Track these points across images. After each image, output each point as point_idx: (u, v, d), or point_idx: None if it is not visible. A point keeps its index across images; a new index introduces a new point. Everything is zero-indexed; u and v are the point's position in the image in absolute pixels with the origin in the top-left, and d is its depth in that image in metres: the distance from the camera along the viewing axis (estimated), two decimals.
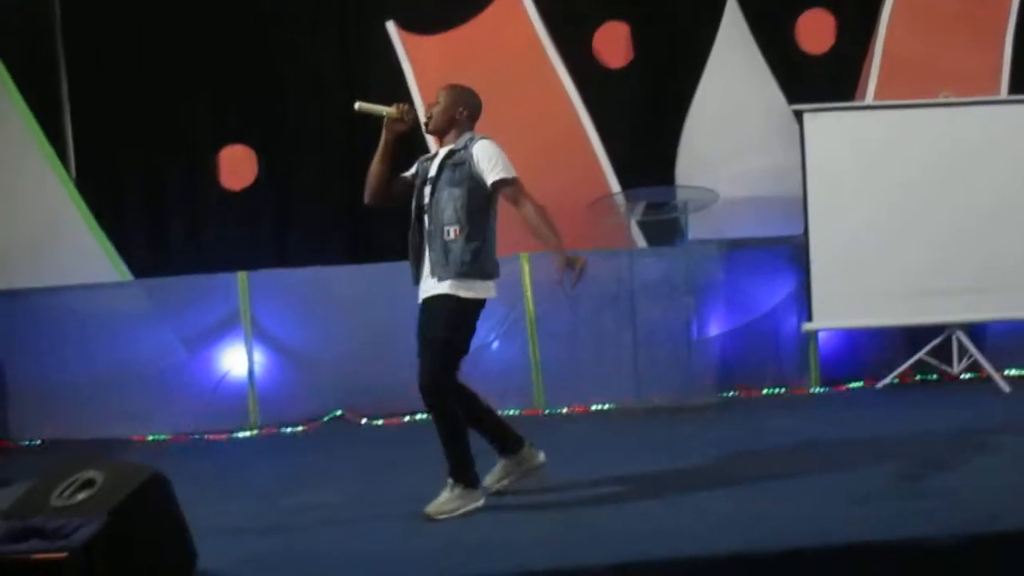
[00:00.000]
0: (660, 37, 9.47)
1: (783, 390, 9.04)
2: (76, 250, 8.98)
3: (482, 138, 5.78)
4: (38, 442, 8.64)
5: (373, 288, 8.83)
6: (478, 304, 5.72)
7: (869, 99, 9.33)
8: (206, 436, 8.59)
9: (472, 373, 8.65)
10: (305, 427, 8.68)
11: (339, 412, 8.81)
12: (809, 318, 8.84)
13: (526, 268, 8.85)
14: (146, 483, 4.68)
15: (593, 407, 8.80)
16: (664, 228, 8.91)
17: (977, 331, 9.05)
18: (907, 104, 8.86)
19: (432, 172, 5.77)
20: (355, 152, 9.40)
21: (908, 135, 8.76)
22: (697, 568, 4.68)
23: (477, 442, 5.91)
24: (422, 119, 6.00)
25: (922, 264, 8.70)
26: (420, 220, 5.80)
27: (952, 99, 8.84)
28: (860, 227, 8.73)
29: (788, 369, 9.12)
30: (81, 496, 4.62)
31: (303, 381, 8.83)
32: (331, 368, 8.78)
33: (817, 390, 9.06)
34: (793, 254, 9.00)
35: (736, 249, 9.04)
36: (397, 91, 9.07)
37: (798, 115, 8.83)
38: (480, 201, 5.68)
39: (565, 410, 8.82)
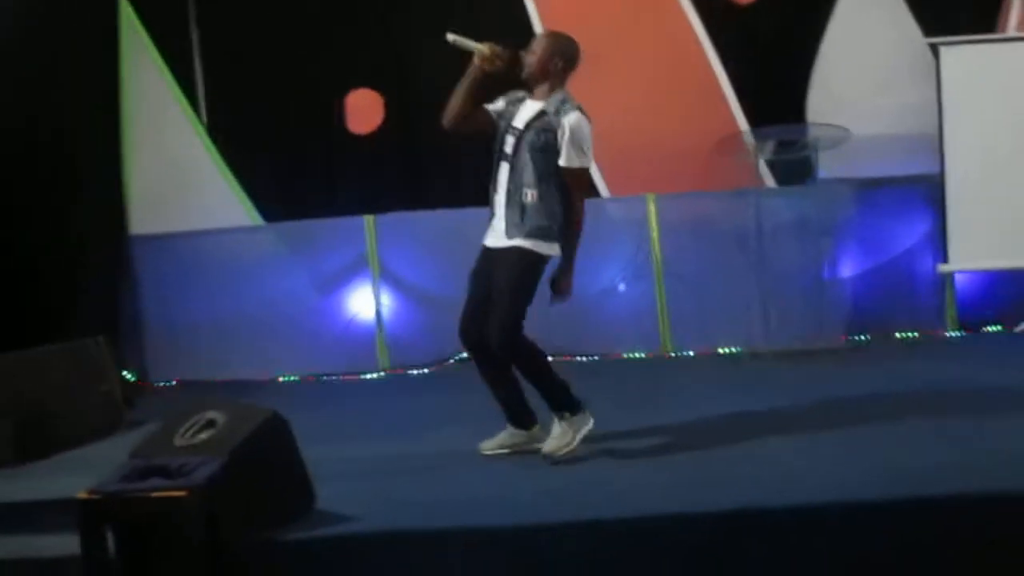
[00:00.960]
0: None
1: (918, 334, 8.82)
2: (210, 195, 9.12)
3: (574, 110, 5.61)
4: (173, 383, 8.84)
5: None
6: (545, 261, 5.69)
7: (1011, 31, 8.96)
8: (336, 377, 8.71)
9: (599, 315, 8.80)
10: (432, 368, 8.74)
11: (465, 354, 8.83)
12: (945, 259, 8.60)
13: (652, 209, 8.76)
14: (266, 424, 4.76)
15: (721, 350, 8.70)
16: (794, 167, 8.71)
17: None
18: None
19: (519, 124, 5.68)
20: (486, 96, 9.40)
21: None
22: (808, 516, 4.62)
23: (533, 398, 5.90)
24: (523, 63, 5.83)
25: None
26: (499, 166, 5.75)
27: None
28: (998, 165, 8.43)
29: (923, 312, 8.89)
30: (203, 436, 4.73)
31: (430, 323, 8.87)
32: (458, 310, 8.77)
33: (953, 334, 8.82)
34: (928, 193, 8.73)
35: (869, 188, 8.82)
36: (524, 34, 9.02)
37: (934, 48, 8.54)
38: (560, 170, 5.63)
39: (692, 353, 8.74)
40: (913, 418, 6.06)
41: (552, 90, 5.71)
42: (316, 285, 8.90)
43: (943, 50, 8.47)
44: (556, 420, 5.75)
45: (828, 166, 8.61)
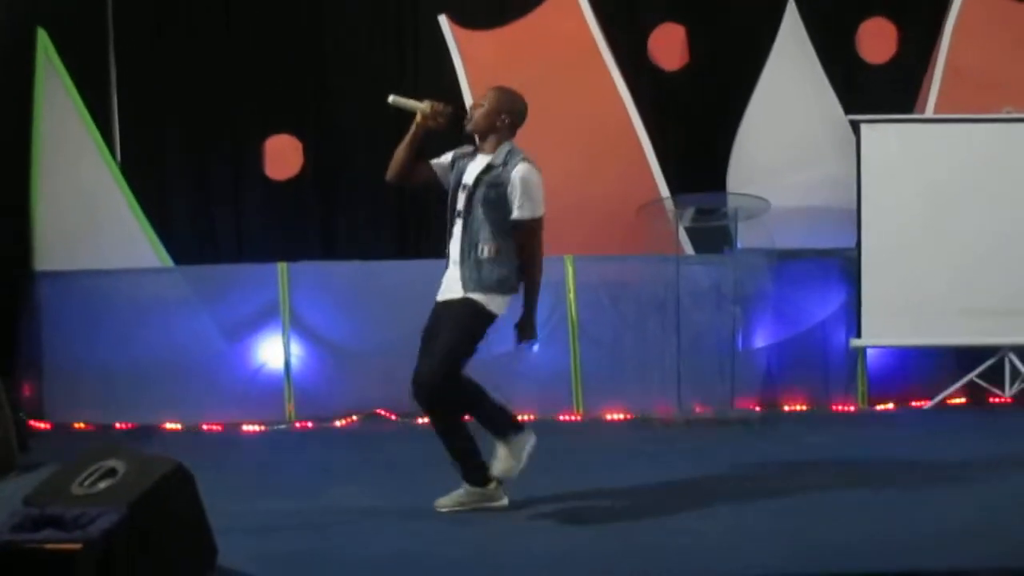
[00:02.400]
0: (717, 41, 9.34)
1: (828, 407, 8.86)
2: (119, 234, 8.90)
3: (523, 162, 5.58)
4: (72, 426, 8.56)
5: (415, 284, 8.65)
6: (492, 317, 5.62)
7: (929, 112, 9.12)
8: (240, 427, 8.51)
9: (512, 376, 8.69)
10: (340, 422, 8.59)
11: (375, 409, 8.70)
12: (858, 334, 8.66)
13: (570, 271, 8.72)
14: (169, 475, 4.58)
15: (633, 415, 8.65)
16: (713, 235, 8.75)
17: None
18: (968, 118, 8.67)
19: (468, 181, 5.63)
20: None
21: (968, 150, 8.57)
22: None
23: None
24: (468, 113, 5.86)
25: (976, 283, 8.51)
26: (452, 223, 5.69)
27: (1015, 114, 8.64)
28: (914, 242, 8.54)
29: (834, 385, 8.94)
30: (102, 486, 4.52)
31: (341, 376, 8.75)
32: (369, 364, 8.68)
33: (863, 408, 8.87)
34: (844, 267, 8.82)
35: (786, 260, 8.88)
36: (448, 85, 9.00)
37: (855, 125, 8.66)
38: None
39: (604, 416, 8.68)
40: (824, 491, 6.03)
41: (499, 143, 5.67)
42: (225, 331, 8.71)
43: (864, 127, 8.58)
44: (499, 443, 5.67)
45: (746, 236, 8.65)
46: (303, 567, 4.88)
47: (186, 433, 8.45)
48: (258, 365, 8.75)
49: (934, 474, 6.44)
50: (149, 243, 8.92)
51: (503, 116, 5.69)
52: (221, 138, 9.23)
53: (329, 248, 9.23)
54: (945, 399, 8.81)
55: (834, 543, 5.04)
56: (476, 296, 5.54)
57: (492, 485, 5.75)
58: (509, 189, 5.52)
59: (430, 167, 5.84)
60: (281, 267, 8.70)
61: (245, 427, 8.51)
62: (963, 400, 8.91)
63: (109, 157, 8.94)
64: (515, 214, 5.54)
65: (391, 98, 5.79)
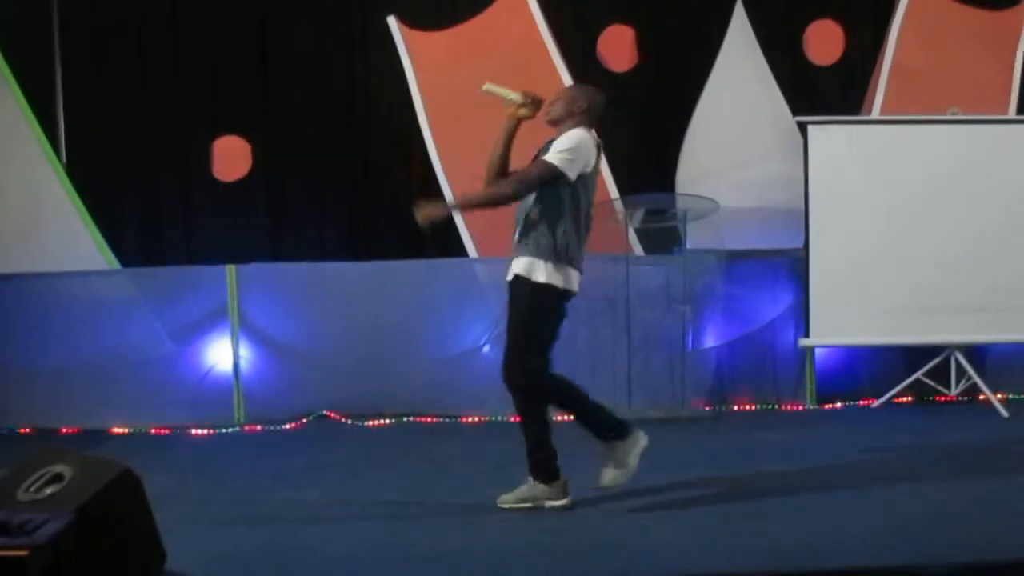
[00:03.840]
0: (666, 42, 9.38)
1: (777, 405, 8.91)
2: (65, 236, 8.85)
3: (575, 128, 5.71)
4: (17, 430, 8.48)
5: (366, 286, 8.74)
6: (548, 288, 5.64)
7: (876, 113, 9.20)
8: (189, 430, 8.44)
9: (463, 377, 8.69)
10: (290, 425, 8.54)
11: (325, 411, 8.67)
12: (806, 333, 8.72)
13: None
14: (116, 480, 4.54)
15: None
16: (662, 236, 8.79)
17: (977, 353, 8.93)
18: (914, 119, 8.75)
19: None
20: (355, 146, 9.33)
21: (914, 151, 8.64)
22: None
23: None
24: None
25: (923, 282, 8.57)
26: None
27: (960, 116, 8.73)
28: (861, 242, 8.60)
29: (783, 384, 9.00)
30: (49, 491, 4.49)
31: (290, 378, 8.71)
32: (319, 366, 8.66)
33: (812, 407, 8.93)
34: (793, 267, 8.87)
35: (735, 260, 8.92)
36: (397, 86, 9.00)
37: (802, 127, 8.71)
38: (562, 193, 5.63)
39: (555, 417, 8.66)
40: (773, 490, 6.06)
41: (565, 129, 5.76)
42: (173, 334, 8.64)
43: (811, 128, 8.63)
44: (605, 448, 5.74)
45: (696, 236, 8.69)
46: (252, 570, 4.86)
47: (134, 436, 8.38)
48: (207, 368, 8.69)
49: (882, 472, 6.49)
50: (95, 245, 8.86)
51: (580, 103, 5.80)
52: (168, 139, 9.16)
53: (278, 250, 9.17)
54: (892, 398, 8.88)
55: (784, 541, 5.07)
56: (528, 274, 5.61)
57: (558, 483, 5.75)
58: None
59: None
60: (230, 269, 8.64)
61: (194, 430, 8.44)
62: (910, 399, 8.99)
63: (54, 158, 8.87)
64: (541, 155, 5.64)
65: (486, 86, 5.86)
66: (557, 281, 5.64)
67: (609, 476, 5.73)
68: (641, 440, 5.75)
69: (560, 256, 5.61)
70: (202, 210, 9.24)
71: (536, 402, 5.79)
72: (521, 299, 5.67)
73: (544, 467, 5.72)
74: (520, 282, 5.65)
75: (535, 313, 5.67)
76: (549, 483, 5.69)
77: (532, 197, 5.64)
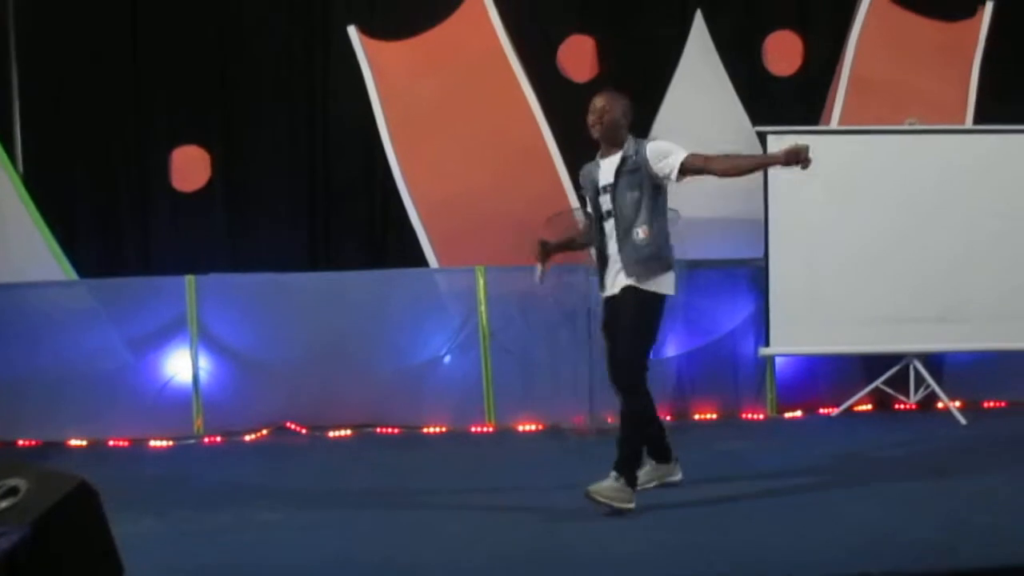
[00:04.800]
0: (626, 53, 9.37)
1: (738, 414, 8.95)
2: (21, 246, 8.77)
3: (650, 140, 6.14)
4: None
5: (327, 297, 8.71)
6: (662, 300, 6.03)
7: (835, 123, 9.25)
8: (148, 442, 8.38)
9: (424, 387, 8.68)
10: (250, 436, 8.49)
11: (284, 422, 8.63)
12: (766, 343, 8.75)
13: (481, 281, 8.71)
14: (72, 493, 4.46)
15: (545, 425, 8.66)
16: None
17: (935, 361, 9.00)
18: (872, 130, 8.80)
19: (608, 180, 6.04)
20: (315, 156, 9.30)
21: (872, 161, 8.70)
22: None
23: None
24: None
25: (881, 292, 8.63)
26: (601, 226, 6.11)
27: (917, 126, 8.78)
28: (821, 252, 8.65)
29: (744, 393, 9.03)
30: (3, 504, 4.41)
31: (250, 389, 8.66)
32: (279, 377, 8.62)
33: (772, 416, 8.97)
34: (753, 277, 8.91)
35: (695, 270, 8.91)
36: (358, 97, 8.97)
37: (762, 137, 8.74)
38: (659, 200, 6.01)
39: (516, 426, 8.68)
40: (734, 499, 6.07)
41: (624, 139, 6.07)
42: (131, 345, 8.57)
43: (771, 139, 8.65)
44: (612, 475, 5.83)
45: None
46: None
47: (92, 449, 8.31)
48: (166, 379, 8.63)
49: (842, 480, 6.52)
50: (52, 255, 8.80)
51: (623, 117, 6.11)
52: (127, 149, 9.09)
53: (238, 261, 9.09)
54: (852, 406, 8.93)
55: (745, 550, 5.08)
56: (639, 284, 5.92)
57: (675, 461, 6.38)
58: (649, 164, 5.93)
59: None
60: (189, 280, 8.59)
61: (153, 442, 8.39)
62: (869, 407, 9.05)
63: (11, 167, 8.79)
64: (675, 166, 5.91)
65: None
66: (669, 290, 6.06)
67: (603, 489, 5.81)
68: (631, 504, 5.82)
69: (665, 266, 6.00)
70: (161, 220, 9.17)
71: (643, 403, 6.10)
72: (640, 307, 5.95)
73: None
74: (634, 293, 5.95)
75: (655, 321, 6.04)
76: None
77: (643, 214, 5.92)
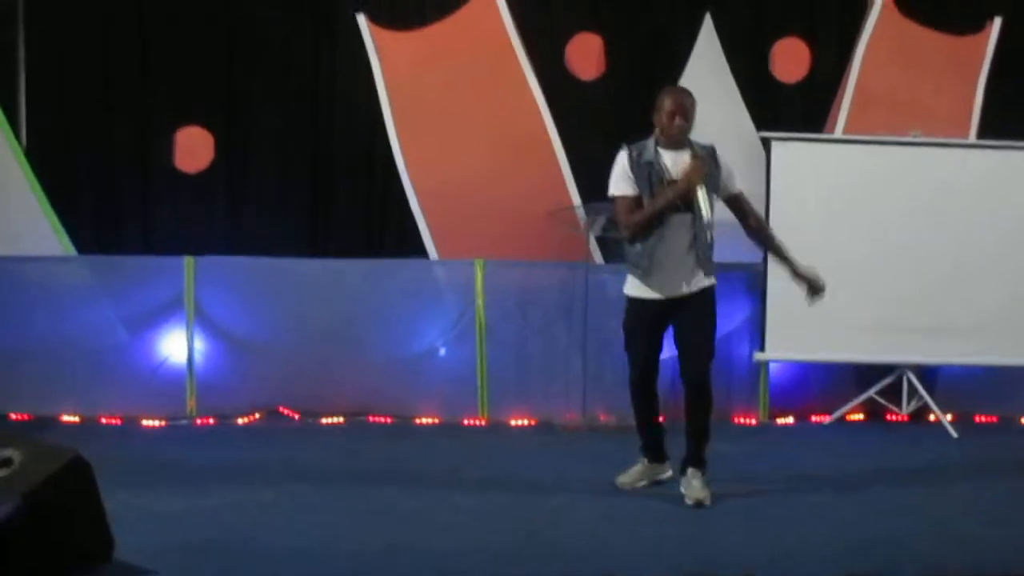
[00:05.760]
0: (633, 53, 9.37)
1: (729, 418, 8.94)
2: (21, 220, 8.76)
3: (712, 147, 6.25)
4: None
5: (324, 283, 8.71)
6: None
7: (839, 132, 9.26)
8: (140, 421, 8.38)
9: (418, 378, 8.68)
10: (242, 419, 8.50)
11: (278, 407, 8.64)
12: (761, 348, 8.77)
13: (479, 275, 8.71)
14: (66, 466, 4.51)
15: (538, 420, 8.67)
16: (622, 245, 8.75)
17: (929, 373, 9.01)
18: (876, 140, 8.81)
19: (678, 175, 6.03)
20: (318, 142, 9.30)
21: (875, 171, 8.71)
22: None
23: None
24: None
25: (877, 301, 8.64)
26: (666, 218, 6.07)
27: (921, 138, 8.80)
28: (819, 259, 8.54)
29: (737, 397, 9.02)
30: None
31: (244, 372, 8.66)
32: (274, 361, 8.62)
33: (764, 421, 8.98)
34: (750, 281, 8.91)
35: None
36: (364, 84, 8.97)
37: (766, 142, 8.76)
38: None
39: (508, 420, 8.69)
40: (722, 501, 6.06)
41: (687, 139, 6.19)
42: (127, 324, 8.57)
43: (774, 144, 8.68)
44: (697, 472, 6.13)
45: None
46: (199, 562, 4.82)
47: (84, 425, 8.30)
48: (160, 359, 8.63)
49: (831, 488, 6.53)
50: (53, 230, 8.79)
51: (694, 115, 6.23)
52: (131, 127, 9.07)
53: (237, 243, 9.07)
54: (844, 415, 8.95)
55: (729, 552, 5.10)
56: (711, 281, 6.21)
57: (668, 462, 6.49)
58: (725, 173, 6.20)
59: (640, 196, 6.18)
60: (187, 260, 8.58)
61: (145, 421, 8.39)
62: (862, 416, 9.06)
63: (14, 141, 8.78)
64: (737, 189, 6.26)
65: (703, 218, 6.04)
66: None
67: (700, 494, 6.02)
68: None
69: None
70: (162, 200, 9.15)
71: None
72: (714, 303, 6.26)
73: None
74: (711, 290, 6.22)
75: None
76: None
77: (708, 219, 6.04)
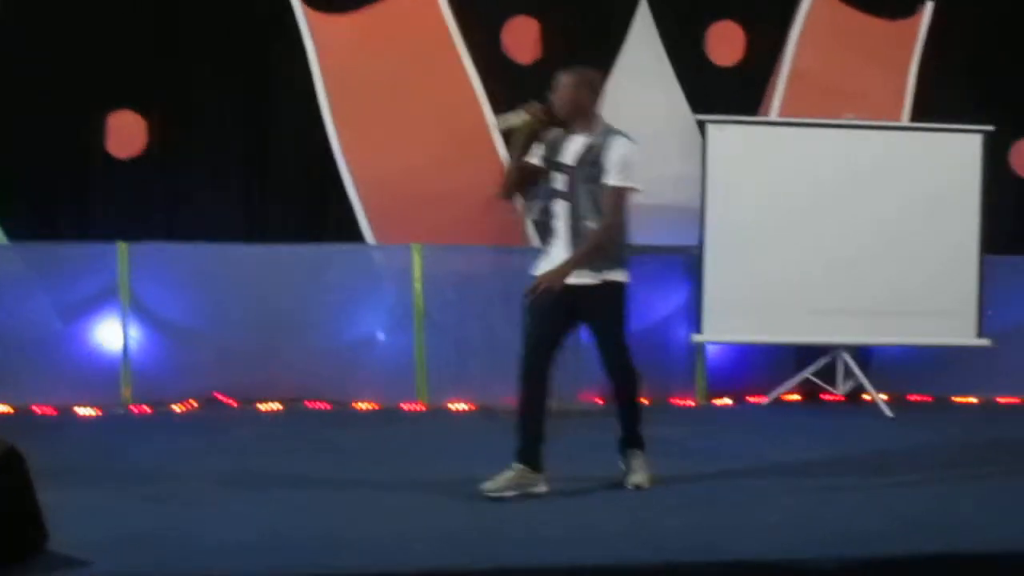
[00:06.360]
0: (570, 36, 9.36)
1: (668, 400, 9.01)
2: None
3: (621, 137, 5.82)
4: None
5: (261, 269, 8.65)
6: (625, 286, 5.95)
7: (774, 115, 9.33)
8: (74, 410, 8.28)
9: (356, 364, 8.65)
10: (179, 407, 8.43)
11: (215, 394, 8.57)
12: (699, 330, 8.82)
13: (417, 260, 8.68)
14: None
15: (477, 405, 8.67)
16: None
17: (863, 354, 9.12)
18: (811, 122, 8.89)
19: (569, 161, 5.78)
20: (254, 127, 9.21)
21: (810, 153, 8.80)
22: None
23: None
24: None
25: (813, 283, 8.73)
26: (553, 202, 5.86)
27: (855, 121, 8.87)
28: (755, 242, 8.72)
29: (675, 380, 9.10)
30: None
31: (181, 359, 8.60)
32: (210, 348, 8.56)
33: (702, 403, 9.04)
34: (687, 264, 8.97)
35: (630, 255, 8.95)
36: (299, 69, 8.90)
37: (701, 125, 8.81)
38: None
39: (447, 405, 8.69)
40: (662, 483, 6.07)
41: (591, 121, 5.84)
42: (60, 312, 8.47)
43: (710, 127, 8.73)
44: (632, 454, 6.00)
45: None
46: (135, 553, 4.75)
47: (17, 416, 8.18)
48: (95, 347, 8.53)
49: (767, 468, 6.59)
50: None
51: (583, 91, 5.85)
52: (61, 112, 8.91)
53: (172, 229, 9.00)
54: (781, 396, 9.03)
55: (672, 534, 5.11)
56: (609, 275, 5.81)
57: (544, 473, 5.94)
58: (605, 161, 5.71)
59: (536, 167, 5.90)
60: (121, 247, 8.49)
61: (80, 410, 8.29)
62: (798, 397, 9.17)
63: None
64: (606, 180, 5.71)
65: (499, 124, 5.94)
66: (625, 277, 5.95)
67: (639, 478, 5.95)
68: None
69: (618, 262, 5.89)
70: (95, 186, 9.02)
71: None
72: (615, 304, 5.95)
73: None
74: (611, 287, 5.87)
75: (624, 310, 6.02)
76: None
77: (588, 210, 5.74)
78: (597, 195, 5.73)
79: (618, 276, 5.87)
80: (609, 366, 6.06)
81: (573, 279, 5.79)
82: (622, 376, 6.08)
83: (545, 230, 5.97)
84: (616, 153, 5.74)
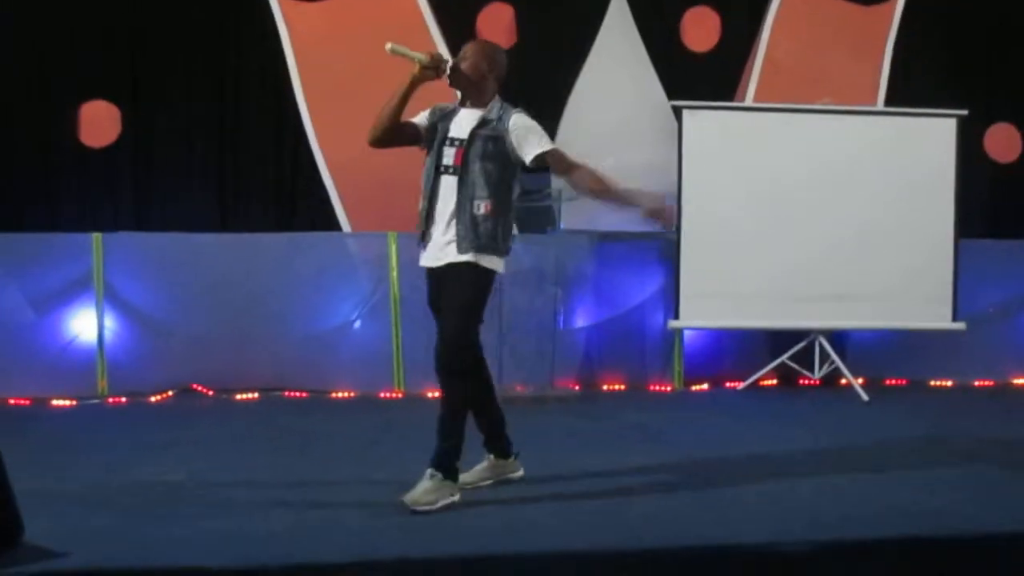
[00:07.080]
0: (544, 23, 9.37)
1: (645, 387, 9.03)
2: None
3: (516, 111, 5.48)
4: None
5: (235, 258, 8.62)
6: (494, 276, 5.49)
7: (748, 100, 9.34)
8: (49, 401, 8.24)
9: (333, 352, 8.63)
10: (155, 397, 8.39)
11: (190, 384, 8.54)
12: (675, 315, 8.83)
13: (393, 247, 8.67)
14: None
15: None
16: (536, 216, 8.78)
17: (839, 339, 9.15)
18: (786, 108, 8.90)
19: (460, 135, 5.45)
20: (227, 116, 9.17)
21: (786, 139, 8.80)
22: (539, 562, 4.59)
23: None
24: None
25: (790, 268, 8.74)
26: (437, 179, 5.47)
27: (830, 106, 8.89)
28: (731, 227, 8.73)
29: (652, 365, 9.12)
30: None
31: (156, 350, 8.55)
32: (186, 338, 8.52)
33: (679, 388, 9.06)
34: (664, 250, 8.98)
35: (607, 241, 8.99)
36: (272, 55, 8.88)
37: (677, 111, 8.81)
38: (510, 177, 5.45)
39: (425, 393, 8.66)
40: (640, 469, 6.10)
41: (487, 98, 5.52)
42: (34, 303, 8.40)
43: (686, 113, 8.73)
44: (428, 474, 5.34)
45: (571, 217, 8.72)
46: (110, 543, 4.72)
47: None
48: (69, 338, 8.48)
49: (744, 453, 6.58)
50: None
51: (489, 68, 5.53)
52: (33, 100, 8.87)
53: (146, 219, 8.98)
54: (757, 380, 9.06)
55: (649, 520, 5.11)
56: (474, 258, 5.34)
57: (514, 457, 5.80)
58: (512, 138, 5.38)
59: (414, 125, 5.61)
60: (95, 237, 8.44)
61: (55, 402, 8.24)
62: (775, 382, 9.19)
63: None
64: (535, 152, 5.37)
65: (389, 46, 5.50)
66: (500, 267, 5.51)
67: (414, 495, 5.26)
68: (456, 495, 5.39)
69: (503, 251, 5.47)
70: (68, 176, 8.99)
71: (477, 386, 5.66)
72: (476, 284, 5.40)
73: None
74: (472, 268, 5.36)
75: (482, 296, 5.45)
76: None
77: (489, 188, 5.34)
78: (491, 172, 5.35)
79: (490, 263, 5.41)
80: (438, 353, 5.44)
81: (438, 261, 5.45)
82: (448, 371, 5.45)
83: (424, 217, 5.53)
84: (523, 124, 5.41)
